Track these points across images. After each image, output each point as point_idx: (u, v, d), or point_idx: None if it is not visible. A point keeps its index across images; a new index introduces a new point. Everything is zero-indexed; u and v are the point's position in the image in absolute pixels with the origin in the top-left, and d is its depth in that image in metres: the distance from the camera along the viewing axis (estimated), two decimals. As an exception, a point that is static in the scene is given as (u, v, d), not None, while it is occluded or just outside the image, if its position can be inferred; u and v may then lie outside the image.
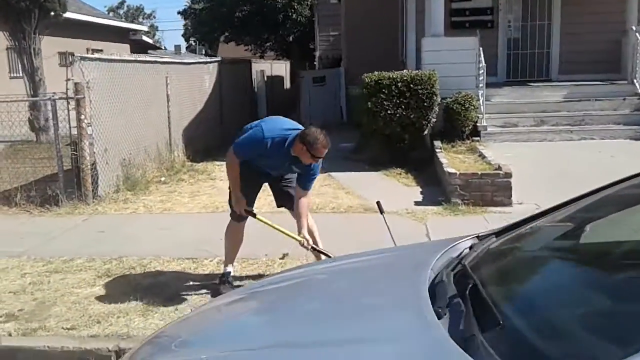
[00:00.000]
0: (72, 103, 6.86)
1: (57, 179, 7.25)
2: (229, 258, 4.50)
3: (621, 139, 8.54)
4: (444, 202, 6.60)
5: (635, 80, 9.09)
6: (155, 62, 9.04)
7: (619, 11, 10.30)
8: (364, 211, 6.47)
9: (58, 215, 6.69)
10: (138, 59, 8.61)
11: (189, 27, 47.12)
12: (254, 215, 4.35)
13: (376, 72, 8.74)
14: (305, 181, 4.20)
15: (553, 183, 7.14)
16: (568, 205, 2.49)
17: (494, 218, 6.10)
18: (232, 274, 4.47)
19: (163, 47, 32.50)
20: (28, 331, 3.90)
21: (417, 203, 6.72)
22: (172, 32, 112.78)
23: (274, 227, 4.30)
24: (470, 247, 2.26)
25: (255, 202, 4.56)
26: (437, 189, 7.28)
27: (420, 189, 7.45)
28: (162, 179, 8.46)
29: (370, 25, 14.50)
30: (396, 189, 7.56)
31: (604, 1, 10.33)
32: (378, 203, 4.52)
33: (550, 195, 6.65)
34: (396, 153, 8.67)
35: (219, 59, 12.15)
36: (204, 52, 40.79)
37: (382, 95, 8.27)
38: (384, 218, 4.40)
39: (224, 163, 9.84)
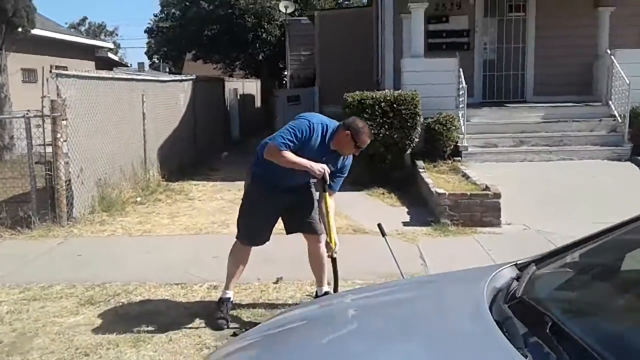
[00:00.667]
0: (47, 121, 6.55)
1: (27, 199, 6.88)
2: (230, 282, 4.25)
3: (599, 159, 8.67)
4: (433, 222, 6.52)
5: (610, 102, 9.27)
6: (132, 79, 8.77)
7: (591, 35, 10.56)
8: (353, 232, 6.34)
9: (31, 238, 6.33)
10: (115, 76, 8.34)
11: (152, 45, 46.69)
12: (324, 190, 3.97)
13: (358, 92, 8.69)
14: (335, 181, 4.05)
15: (538, 204, 7.18)
16: (602, 235, 2.39)
17: (485, 239, 6.07)
18: (232, 299, 4.23)
19: (129, 65, 31.96)
20: (9, 366, 3.60)
21: (405, 224, 6.63)
22: (134, 49, 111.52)
23: (328, 214, 4.01)
24: (517, 278, 2.13)
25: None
26: (423, 209, 7.21)
27: (407, 209, 7.37)
28: (138, 199, 8.16)
29: (344, 45, 14.57)
30: (382, 209, 7.46)
31: (577, 25, 10.55)
32: (379, 225, 4.38)
33: (537, 216, 6.73)
34: (378, 173, 8.60)
35: (193, 77, 11.92)
36: (167, 70, 40.39)
37: (365, 115, 8.18)
38: (387, 241, 4.26)
39: (200, 183, 9.72)
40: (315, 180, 4.13)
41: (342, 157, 4.01)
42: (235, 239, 4.33)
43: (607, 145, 8.83)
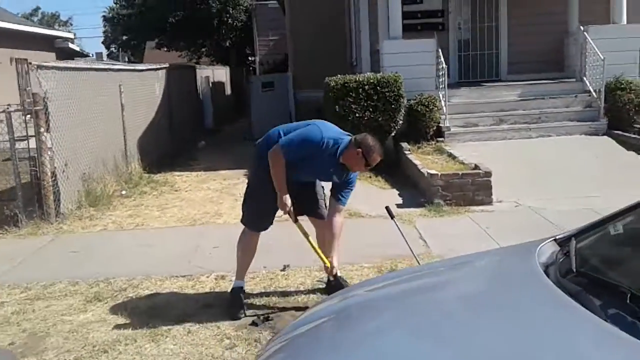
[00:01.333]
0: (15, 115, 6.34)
1: (12, 197, 6.69)
2: (241, 271, 4.23)
3: (577, 135, 8.88)
4: (426, 203, 6.61)
5: (584, 78, 9.48)
6: (109, 69, 8.56)
7: (561, 12, 10.75)
8: (349, 216, 6.33)
9: (20, 237, 6.17)
10: (92, 66, 8.12)
11: (109, 34, 45.48)
12: (295, 220, 4.08)
13: (340, 75, 8.68)
14: (343, 192, 4.04)
15: (524, 180, 7.33)
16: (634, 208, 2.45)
17: (480, 217, 6.18)
18: (244, 288, 4.21)
19: (91, 55, 31.10)
20: (26, 368, 3.53)
21: (399, 206, 6.69)
22: (90, 39, 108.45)
23: (308, 241, 4.10)
24: (564, 252, 2.18)
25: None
26: (414, 190, 7.29)
27: (397, 192, 7.44)
28: (123, 192, 8.02)
29: (316, 28, 14.46)
30: (373, 192, 7.51)
31: (547, 3, 10.73)
32: (387, 208, 4.42)
33: (525, 192, 6.88)
34: (361, 156, 8.62)
35: (166, 65, 11.69)
36: (127, 60, 39.47)
37: (349, 98, 8.21)
38: (396, 223, 4.31)
39: (183, 173, 9.60)
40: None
41: (349, 172, 3.98)
42: (242, 229, 4.29)
43: (584, 121, 9.04)
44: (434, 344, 1.77)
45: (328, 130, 3.90)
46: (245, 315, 4.01)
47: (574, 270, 1.96)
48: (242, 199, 7.02)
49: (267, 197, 4.08)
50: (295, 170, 3.93)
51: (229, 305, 4.11)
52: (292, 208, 3.97)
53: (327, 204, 4.21)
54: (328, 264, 4.06)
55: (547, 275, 2.00)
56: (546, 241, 2.39)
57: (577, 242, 2.27)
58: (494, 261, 2.42)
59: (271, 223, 4.24)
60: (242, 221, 4.29)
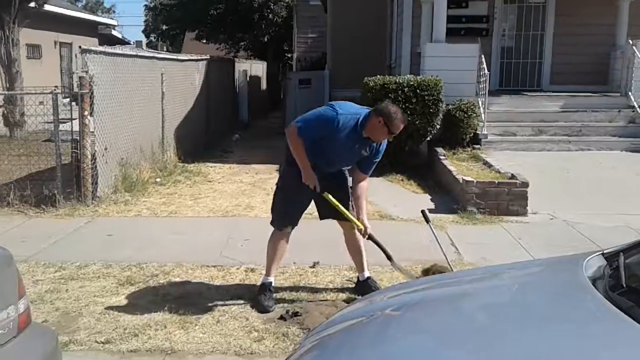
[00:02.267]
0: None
1: (50, 177, 6.84)
2: (271, 268, 4.23)
3: (617, 151, 8.67)
4: (459, 210, 6.52)
5: (629, 93, 9.26)
6: (153, 57, 8.68)
7: (609, 25, 10.52)
8: (380, 218, 6.33)
9: (57, 217, 6.30)
10: (138, 53, 8.25)
11: (150, 23, 46.10)
12: (322, 192, 4.04)
13: (379, 76, 8.64)
14: (368, 164, 4.04)
15: (561, 193, 7.19)
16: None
17: (513, 228, 6.08)
18: (273, 284, 4.22)
19: (131, 43, 31.58)
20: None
21: (431, 211, 6.59)
22: (130, 27, 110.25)
23: (337, 207, 4.05)
24: (612, 266, 2.12)
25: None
26: (447, 196, 7.22)
27: (429, 196, 7.37)
28: (158, 179, 8.12)
29: (357, 28, 14.42)
30: (404, 195, 7.46)
31: (595, 14, 10.51)
32: (423, 212, 4.41)
33: (560, 205, 6.74)
34: (395, 159, 8.56)
35: (207, 57, 11.81)
36: (165, 49, 39.97)
37: (388, 99, 8.14)
38: (431, 228, 4.30)
39: (217, 165, 9.69)
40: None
41: (377, 143, 3.94)
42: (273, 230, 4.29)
43: (626, 137, 8.83)
44: (471, 354, 1.74)
45: (343, 107, 3.87)
46: (274, 310, 4.02)
47: (624, 285, 1.91)
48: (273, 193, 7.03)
49: (296, 198, 4.10)
50: (322, 155, 3.89)
51: (257, 299, 4.12)
52: (317, 182, 3.95)
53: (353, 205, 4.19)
54: (361, 226, 4.03)
55: (596, 288, 1.95)
56: (593, 255, 2.33)
57: (626, 257, 2.21)
58: (536, 271, 2.38)
59: (297, 223, 4.21)
60: (271, 222, 4.27)
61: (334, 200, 4.04)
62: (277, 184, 4.33)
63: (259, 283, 4.34)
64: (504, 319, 1.85)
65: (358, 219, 4.06)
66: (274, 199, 4.30)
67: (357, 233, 4.20)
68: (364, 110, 3.90)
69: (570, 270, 2.13)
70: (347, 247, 4.36)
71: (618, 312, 1.64)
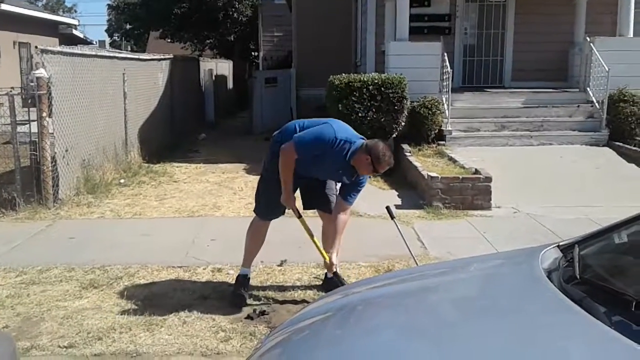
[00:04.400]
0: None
1: (10, 180, 6.68)
2: (248, 258, 4.27)
3: (578, 145, 8.89)
4: (425, 205, 6.60)
5: (587, 89, 9.49)
6: (114, 57, 8.53)
7: (568, 23, 10.76)
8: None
9: (17, 221, 6.15)
10: (98, 53, 8.09)
11: (113, 22, 45.32)
12: (299, 216, 4.13)
13: (344, 75, 8.68)
14: (351, 193, 4.06)
15: (524, 187, 7.33)
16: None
17: (478, 222, 6.18)
18: (248, 275, 4.25)
19: (94, 42, 30.97)
20: (20, 351, 3.49)
21: (398, 207, 6.67)
22: (93, 27, 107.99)
23: (310, 236, 4.12)
24: (567, 258, 2.17)
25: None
26: (413, 192, 7.29)
27: (396, 193, 7.43)
28: (122, 180, 8.00)
29: (322, 27, 14.45)
30: (372, 192, 7.46)
31: (554, 13, 10.73)
32: (388, 208, 4.43)
33: (523, 199, 6.88)
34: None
35: (171, 56, 11.66)
36: (129, 49, 39.35)
37: (353, 98, 8.20)
38: (396, 224, 4.32)
39: (182, 165, 9.58)
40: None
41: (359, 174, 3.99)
42: (253, 216, 4.33)
43: (585, 131, 9.05)
44: (431, 345, 1.76)
45: (342, 130, 3.90)
46: (246, 304, 4.04)
47: (578, 276, 1.95)
48: (241, 192, 7.04)
49: (279, 189, 4.09)
50: (306, 167, 3.96)
51: (233, 291, 4.15)
52: (295, 204, 4.01)
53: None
54: (327, 260, 4.06)
55: (551, 280, 1.99)
56: (549, 247, 2.38)
57: (581, 249, 2.27)
58: (495, 264, 2.42)
59: (282, 213, 4.28)
60: (254, 210, 4.33)
61: (307, 227, 4.14)
62: (261, 173, 4.36)
63: (227, 280, 4.33)
64: (462, 312, 1.88)
65: (330, 253, 4.07)
66: (257, 187, 4.35)
67: (339, 223, 4.17)
68: (358, 140, 3.90)
69: (527, 262, 2.17)
70: (322, 239, 4.36)
71: (571, 304, 1.68)
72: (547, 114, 9.34)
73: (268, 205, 4.21)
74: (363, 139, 3.93)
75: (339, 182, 4.14)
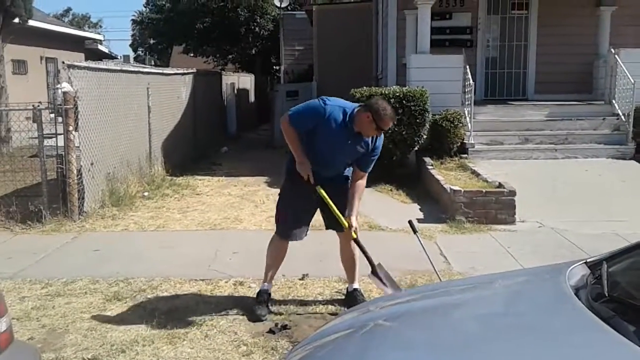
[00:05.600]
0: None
1: (37, 193, 6.80)
2: (268, 275, 4.29)
3: (603, 158, 8.75)
4: (448, 219, 6.55)
5: (613, 101, 9.37)
6: (139, 72, 8.68)
7: (592, 34, 10.66)
8: (369, 229, 6.33)
9: (43, 233, 6.24)
10: (122, 68, 8.24)
11: (137, 37, 46.10)
12: (315, 191, 4.01)
13: (366, 87, 8.70)
14: (366, 161, 4.02)
15: (548, 201, 7.23)
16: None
17: (502, 236, 6.10)
18: (269, 291, 4.27)
19: (118, 57, 31.56)
20: (45, 363, 3.54)
21: (420, 220, 6.62)
22: (118, 41, 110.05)
23: (330, 206, 4.01)
24: (595, 275, 2.13)
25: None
26: (435, 206, 7.24)
27: (418, 206, 7.39)
28: (146, 193, 8.08)
29: (343, 40, 14.54)
30: (394, 205, 7.47)
31: (578, 24, 10.63)
32: (410, 222, 4.40)
33: (548, 213, 6.79)
34: (383, 169, 8.58)
35: (194, 70, 11.81)
36: (153, 63, 39.97)
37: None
38: (419, 238, 4.28)
39: (205, 178, 9.67)
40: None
41: (371, 139, 3.93)
42: (274, 229, 4.34)
43: (611, 144, 8.92)
44: None
45: (331, 99, 3.92)
46: (266, 320, 4.03)
47: (607, 294, 1.91)
48: (263, 205, 7.06)
49: (298, 205, 4.12)
50: (316, 151, 3.90)
51: (253, 307, 4.15)
52: (312, 173, 3.94)
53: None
54: (346, 224, 3.97)
55: (579, 298, 1.96)
56: (576, 264, 2.34)
57: (609, 266, 2.22)
58: (522, 281, 2.38)
59: (305, 234, 4.23)
60: (275, 232, 4.31)
61: (325, 195, 4.00)
62: (279, 193, 4.36)
63: (249, 294, 4.35)
64: (488, 329, 1.85)
65: (348, 216, 3.99)
66: (277, 205, 4.33)
67: (354, 245, 4.17)
68: (352, 105, 3.93)
69: (554, 279, 2.14)
70: (340, 256, 4.35)
71: (599, 322, 1.65)
72: (572, 127, 9.22)
73: (286, 224, 4.19)
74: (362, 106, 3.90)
75: (356, 156, 4.00)
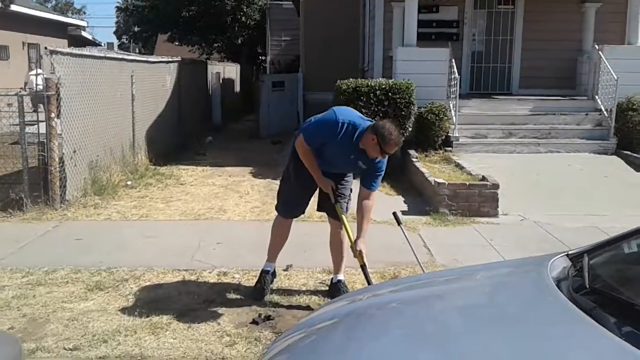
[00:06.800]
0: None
1: (17, 181, 6.71)
2: (272, 254, 4.40)
3: (586, 153, 8.85)
4: (431, 211, 6.58)
5: (596, 97, 9.46)
6: (122, 59, 8.57)
7: (576, 30, 10.75)
8: (353, 220, 6.30)
9: (24, 221, 6.16)
10: (106, 55, 8.13)
11: (122, 25, 45.58)
12: (335, 201, 4.13)
13: (352, 79, 8.69)
14: (371, 179, 4.04)
15: (532, 194, 7.30)
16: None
17: (484, 229, 6.15)
18: (272, 271, 4.39)
19: (102, 44, 31.15)
20: (25, 353, 3.50)
21: (404, 212, 6.63)
22: (102, 28, 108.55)
23: (342, 221, 4.12)
24: (576, 268, 2.16)
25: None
26: (419, 198, 7.27)
27: (402, 198, 7.41)
28: (129, 182, 8.01)
29: (330, 31, 14.47)
30: (379, 197, 7.33)
31: (563, 20, 10.71)
32: (394, 214, 4.42)
33: (530, 207, 6.85)
34: (368, 161, 8.61)
35: (179, 59, 11.70)
36: (137, 51, 39.53)
37: (360, 102, 8.19)
38: (403, 230, 4.31)
39: (189, 167, 9.60)
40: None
41: (374, 157, 3.95)
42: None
43: (594, 139, 9.02)
44: (437, 353, 1.75)
45: (345, 114, 3.92)
46: (262, 299, 4.20)
47: (588, 286, 1.94)
48: (247, 195, 7.06)
49: (299, 184, 4.20)
50: (321, 159, 3.98)
51: (255, 285, 4.31)
52: (334, 186, 4.07)
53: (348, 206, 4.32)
54: (352, 244, 4.02)
55: (560, 290, 1.98)
56: (558, 256, 2.37)
57: (590, 258, 2.25)
58: (503, 273, 2.40)
59: (302, 211, 4.40)
60: (275, 207, 4.46)
61: (340, 210, 4.16)
62: (283, 173, 4.43)
63: (233, 285, 4.39)
64: (470, 321, 1.87)
65: (357, 240, 4.04)
66: (279, 186, 4.43)
67: (344, 234, 4.23)
68: (364, 122, 3.90)
69: (536, 271, 2.16)
70: (330, 245, 4.38)
71: (580, 314, 1.67)
72: (555, 122, 9.31)
73: (287, 203, 4.33)
74: (371, 121, 3.92)
75: (357, 170, 4.09)
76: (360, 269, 4.12)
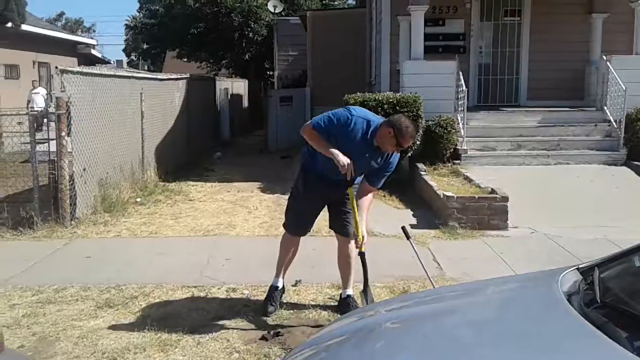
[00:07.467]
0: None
1: (28, 199, 6.75)
2: (280, 269, 4.38)
3: (595, 164, 8.80)
4: (440, 225, 6.55)
5: (605, 107, 9.42)
6: (132, 77, 8.64)
7: (584, 41, 10.74)
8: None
9: (34, 239, 6.20)
10: (116, 73, 8.22)
11: (131, 42, 46.09)
12: (351, 184, 4.01)
13: (359, 93, 8.72)
14: (379, 176, 4.02)
15: (540, 207, 7.26)
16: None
17: (494, 242, 6.12)
18: (280, 287, 4.37)
19: (111, 62, 31.48)
20: (35, 371, 3.51)
21: (413, 226, 6.63)
22: (111, 46, 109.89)
23: (354, 208, 4.01)
24: (587, 281, 2.14)
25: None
26: (428, 212, 7.25)
27: (411, 212, 7.39)
28: (138, 199, 8.05)
29: (336, 46, 14.58)
30: (387, 211, 7.46)
31: (570, 31, 10.71)
32: (403, 228, 4.39)
33: (540, 219, 6.81)
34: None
35: (187, 75, 11.80)
36: (146, 68, 39.95)
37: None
38: (412, 244, 4.28)
39: (198, 183, 9.65)
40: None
41: (387, 155, 3.93)
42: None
43: (603, 150, 8.97)
44: None
45: (358, 110, 3.92)
46: (274, 314, 4.21)
47: (599, 300, 1.92)
48: (256, 210, 7.09)
49: (307, 201, 4.19)
50: (333, 163, 3.86)
51: (264, 300, 4.31)
52: (351, 164, 3.82)
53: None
54: (359, 235, 3.97)
55: (571, 304, 1.96)
56: (569, 270, 2.35)
57: (601, 272, 2.23)
58: (514, 287, 2.38)
59: (309, 229, 4.38)
60: (283, 225, 4.45)
61: (353, 196, 4.03)
62: (291, 190, 4.42)
63: (242, 301, 4.40)
64: (481, 336, 1.85)
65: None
66: (287, 204, 4.42)
67: (352, 249, 4.19)
68: (377, 118, 3.93)
69: (546, 285, 2.14)
70: (338, 260, 4.36)
71: (592, 328, 1.65)
72: (564, 133, 9.26)
73: (295, 221, 4.31)
74: (384, 118, 3.94)
75: (367, 169, 4.01)
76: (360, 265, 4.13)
